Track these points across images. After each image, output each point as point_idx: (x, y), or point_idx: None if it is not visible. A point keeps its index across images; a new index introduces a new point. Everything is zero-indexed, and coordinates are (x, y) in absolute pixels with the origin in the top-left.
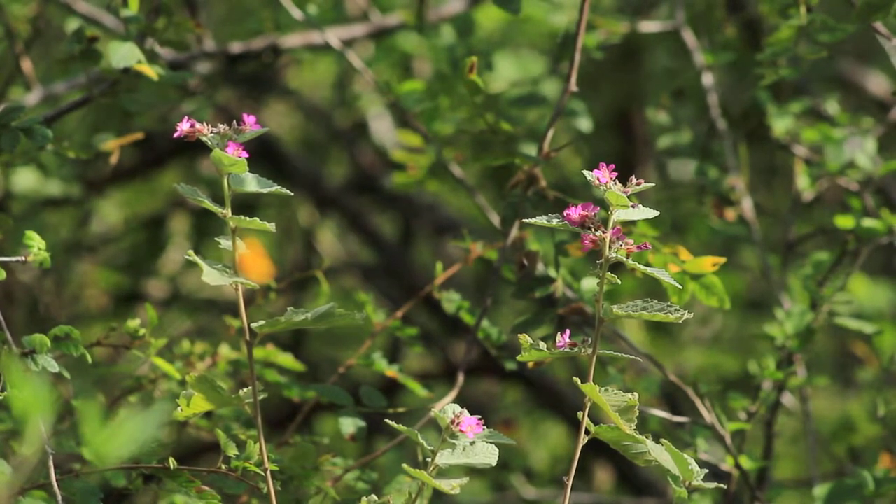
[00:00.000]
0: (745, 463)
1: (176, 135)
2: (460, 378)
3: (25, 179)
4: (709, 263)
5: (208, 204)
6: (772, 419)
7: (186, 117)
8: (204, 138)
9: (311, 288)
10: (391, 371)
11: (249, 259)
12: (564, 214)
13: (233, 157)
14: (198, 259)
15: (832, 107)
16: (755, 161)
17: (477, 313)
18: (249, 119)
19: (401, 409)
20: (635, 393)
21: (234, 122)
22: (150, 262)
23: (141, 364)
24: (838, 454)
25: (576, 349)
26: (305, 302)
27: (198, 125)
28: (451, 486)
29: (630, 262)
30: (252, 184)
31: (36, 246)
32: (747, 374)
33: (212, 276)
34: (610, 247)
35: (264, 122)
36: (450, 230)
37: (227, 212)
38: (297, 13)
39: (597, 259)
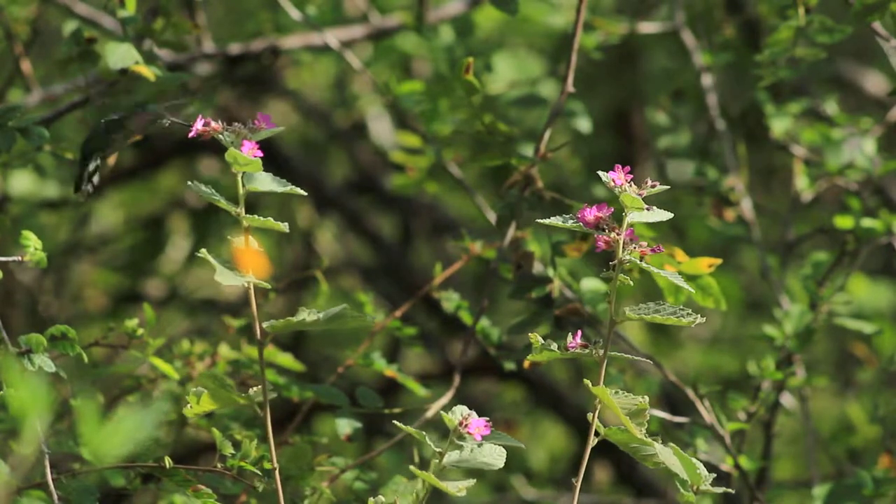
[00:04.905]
0: (745, 463)
1: (191, 134)
2: (457, 378)
3: (23, 182)
4: (705, 265)
5: (223, 203)
6: (771, 419)
7: (201, 116)
8: (219, 137)
9: (311, 288)
10: (390, 371)
11: (247, 257)
12: (579, 215)
13: (247, 157)
14: (211, 258)
15: (831, 107)
16: (754, 161)
17: (476, 313)
18: (265, 118)
19: (397, 410)
20: (646, 396)
21: (249, 121)
22: (148, 262)
23: (140, 364)
24: (837, 454)
25: (587, 350)
26: (305, 302)
27: (213, 124)
28: (457, 488)
29: (642, 264)
30: (266, 183)
31: (32, 245)
32: (746, 374)
33: (225, 276)
34: (623, 248)
35: None
36: (449, 230)
37: (241, 210)
38: (296, 14)
39: (596, 259)
